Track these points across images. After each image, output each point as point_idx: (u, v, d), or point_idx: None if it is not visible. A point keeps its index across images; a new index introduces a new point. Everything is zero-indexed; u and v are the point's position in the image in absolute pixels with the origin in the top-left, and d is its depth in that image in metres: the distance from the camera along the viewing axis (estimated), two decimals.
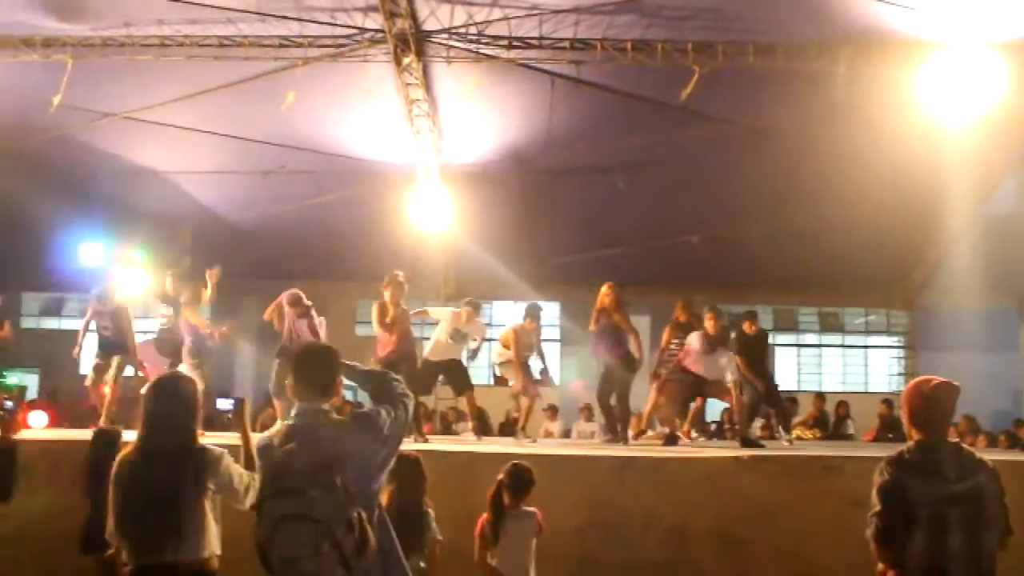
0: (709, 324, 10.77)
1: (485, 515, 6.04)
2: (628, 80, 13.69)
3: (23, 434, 9.61)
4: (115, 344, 10.79)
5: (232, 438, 5.62)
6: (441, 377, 11.09)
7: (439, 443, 9.96)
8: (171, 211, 16.26)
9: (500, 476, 6.10)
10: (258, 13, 12.56)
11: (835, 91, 12.57)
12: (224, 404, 11.10)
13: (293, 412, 4.10)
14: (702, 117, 13.90)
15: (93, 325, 11.01)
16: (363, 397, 4.53)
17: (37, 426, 13.65)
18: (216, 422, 12.92)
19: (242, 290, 13.86)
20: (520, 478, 6.09)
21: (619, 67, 13.29)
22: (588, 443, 11.13)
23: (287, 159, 15.49)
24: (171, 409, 4.56)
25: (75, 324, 20.30)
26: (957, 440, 4.68)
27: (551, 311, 21.17)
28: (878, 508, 4.38)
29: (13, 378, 15.08)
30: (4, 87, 13.89)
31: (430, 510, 5.86)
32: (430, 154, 15.51)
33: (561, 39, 12.93)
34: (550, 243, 16.70)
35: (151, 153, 15.77)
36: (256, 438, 4.36)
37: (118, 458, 4.55)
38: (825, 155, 14.09)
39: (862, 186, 14.56)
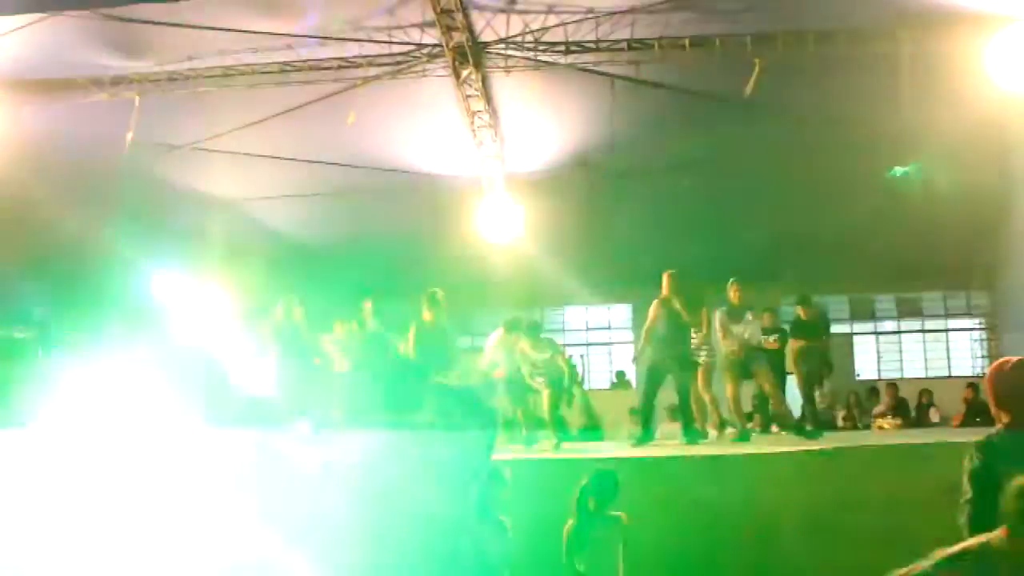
0: (732, 294, 11.19)
1: (571, 521, 6.04)
2: (689, 77, 13.61)
3: None
4: None
5: None
6: None
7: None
8: (244, 238, 16.52)
9: (584, 482, 6.10)
10: (317, 37, 12.70)
11: (900, 73, 12.37)
12: None
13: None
14: (766, 109, 13.73)
15: None
16: None
17: None
18: None
19: (319, 312, 13.93)
20: (604, 483, 6.10)
21: (679, 65, 13.24)
22: (671, 443, 11.10)
23: (352, 178, 15.62)
24: None
25: None
26: None
27: (622, 314, 21.15)
28: (969, 495, 4.30)
29: None
30: (77, 127, 14.20)
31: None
32: (494, 164, 15.54)
33: (618, 40, 12.89)
34: (619, 246, 16.63)
35: (219, 182, 15.99)
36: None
37: None
38: (895, 138, 13.84)
39: (934, 166, 14.30)
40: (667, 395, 14.22)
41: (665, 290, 11.57)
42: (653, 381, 11.38)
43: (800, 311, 13.02)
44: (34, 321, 16.82)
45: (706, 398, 11.92)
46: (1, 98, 13.36)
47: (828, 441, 9.15)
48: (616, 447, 10.78)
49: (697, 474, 7.91)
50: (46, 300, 17.48)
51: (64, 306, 17.61)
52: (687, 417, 11.17)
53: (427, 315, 11.29)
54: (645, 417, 11.28)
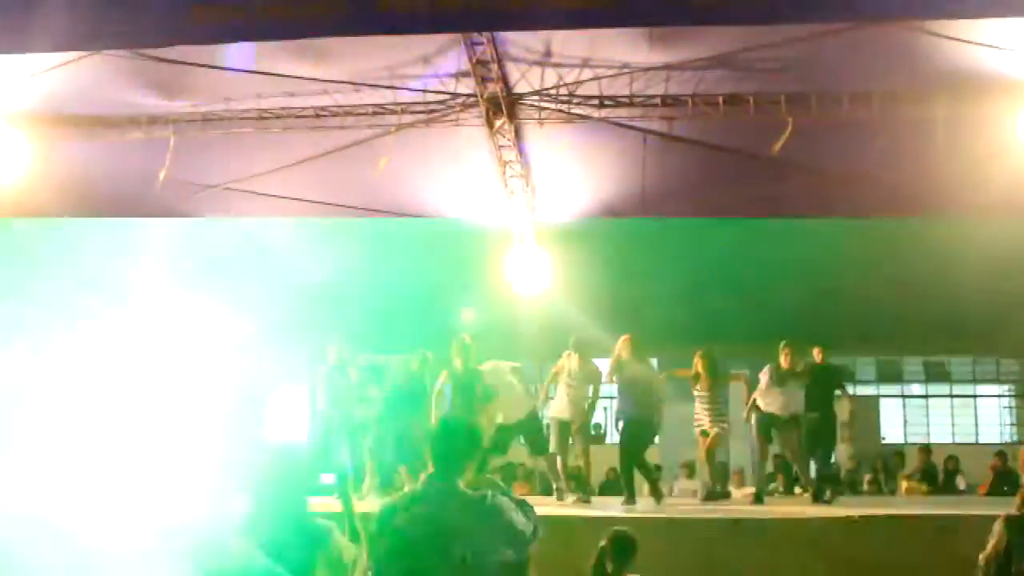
0: (783, 358, 11.15)
1: None
2: (721, 134, 13.61)
3: None
4: None
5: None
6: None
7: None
8: (273, 279, 16.60)
9: (602, 543, 6.03)
10: (353, 83, 12.80)
11: (934, 137, 12.33)
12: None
13: (421, 480, 4.13)
14: (798, 169, 13.72)
15: None
16: None
17: None
18: None
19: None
20: (623, 545, 6.01)
21: (712, 122, 13.25)
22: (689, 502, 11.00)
23: (383, 225, 15.68)
24: (283, 482, 4.60)
25: None
26: None
27: None
28: (993, 571, 4.21)
29: None
30: (112, 165, 14.35)
31: None
32: (525, 214, 15.56)
33: (652, 96, 12.91)
34: (647, 300, 16.60)
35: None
36: (378, 501, 4.39)
37: None
38: (925, 201, 13.79)
39: (964, 231, 14.21)
40: (684, 452, 14.20)
41: (625, 353, 11.55)
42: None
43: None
44: None
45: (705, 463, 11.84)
46: (41, 133, 13.56)
47: (853, 507, 9.01)
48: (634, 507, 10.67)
49: (718, 536, 7.80)
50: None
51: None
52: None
53: (457, 363, 11.27)
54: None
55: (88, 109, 13.46)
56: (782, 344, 12.05)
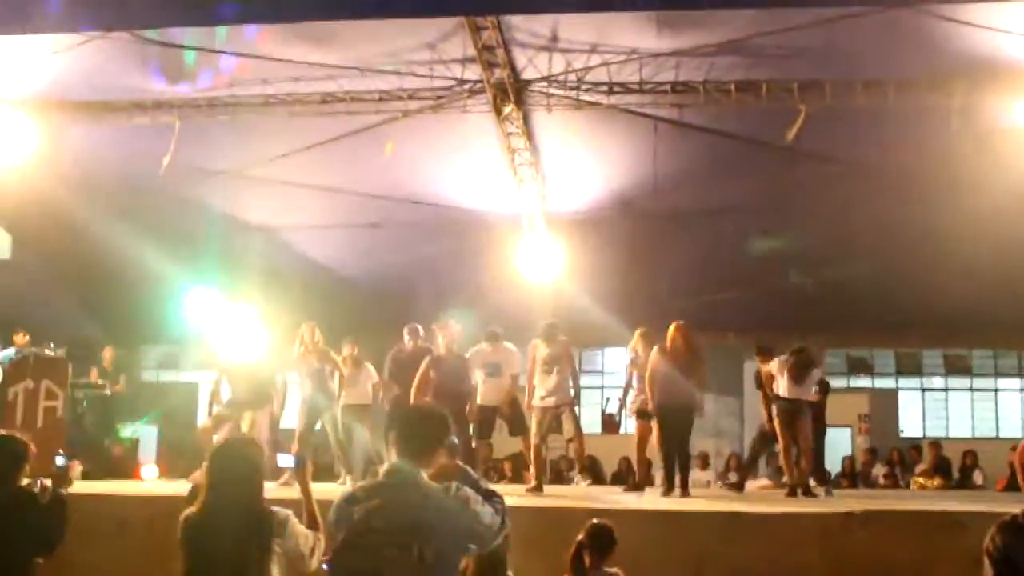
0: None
1: None
2: (733, 122, 13.40)
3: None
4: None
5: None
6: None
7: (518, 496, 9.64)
8: (281, 265, 16.52)
9: (580, 536, 5.87)
10: (358, 68, 12.66)
11: (949, 125, 12.08)
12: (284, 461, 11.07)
13: (384, 469, 4.00)
14: (811, 157, 13.50)
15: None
16: None
17: (149, 479, 13.93)
18: None
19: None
20: (601, 538, 5.84)
21: (724, 109, 13.04)
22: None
23: (391, 211, 15.55)
24: (237, 470, 4.49)
25: (193, 377, 21.01)
26: None
27: None
28: None
29: (128, 431, 15.34)
30: (119, 150, 14.30)
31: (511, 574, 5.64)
32: (535, 202, 15.39)
33: (662, 83, 12.73)
34: (659, 288, 16.37)
35: (258, 209, 16.02)
36: (343, 490, 4.26)
37: (182, 518, 4.51)
38: (943, 191, 13.53)
39: (983, 221, 13.92)
40: (699, 442, 13.95)
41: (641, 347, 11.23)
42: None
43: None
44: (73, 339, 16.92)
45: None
46: (47, 118, 13.52)
47: (858, 502, 8.80)
48: (620, 496, 10.48)
49: (712, 530, 7.61)
50: (83, 317, 17.63)
51: (100, 323, 17.75)
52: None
53: (442, 346, 11.04)
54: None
55: (94, 94, 13.41)
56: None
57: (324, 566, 4.18)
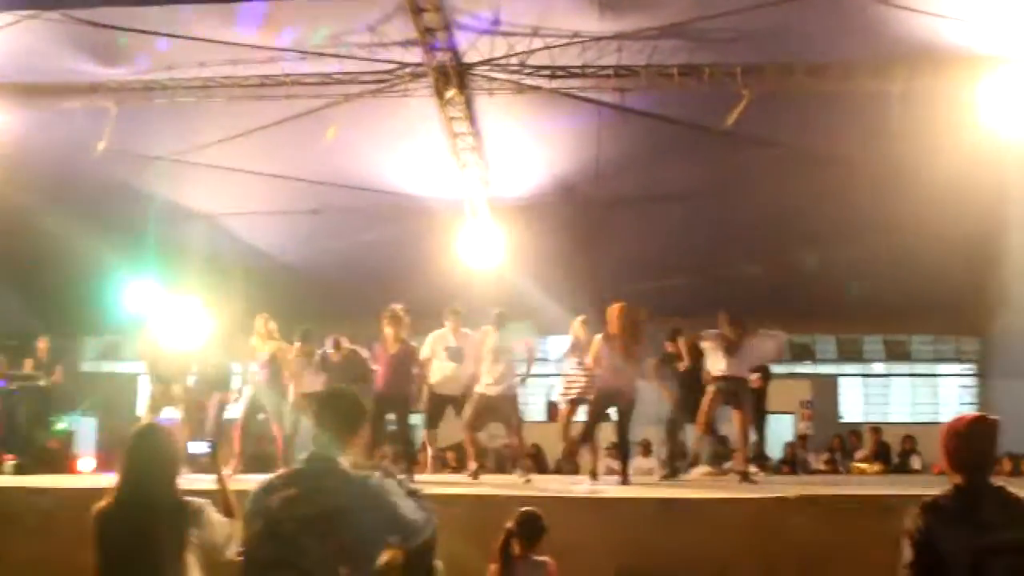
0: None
1: (493, 566, 5.74)
2: (676, 106, 13.36)
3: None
4: None
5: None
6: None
7: (455, 486, 9.57)
8: (221, 252, 16.27)
9: (508, 524, 5.80)
10: (298, 51, 12.47)
11: (890, 111, 12.13)
12: (197, 448, 10.87)
13: (303, 456, 3.90)
14: (754, 142, 13.50)
15: None
16: None
17: (85, 471, 13.67)
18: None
19: (295, 330, 13.69)
20: (530, 525, 5.78)
21: (666, 93, 13.00)
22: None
23: (334, 197, 15.35)
24: (151, 460, 4.36)
25: (133, 367, 20.64)
26: (1001, 484, 4.21)
27: None
28: (909, 559, 4.00)
29: (63, 423, 15.02)
30: (53, 135, 13.98)
31: (438, 563, 5.54)
32: (478, 188, 15.26)
33: (605, 67, 12.65)
34: (603, 275, 16.32)
35: (198, 195, 15.76)
36: (257, 479, 4.15)
37: (94, 511, 4.36)
38: (882, 177, 13.61)
39: (923, 208, 14.01)
40: (642, 430, 13.90)
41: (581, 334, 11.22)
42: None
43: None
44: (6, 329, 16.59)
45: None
46: None
47: (794, 488, 8.80)
48: (556, 484, 10.43)
49: (645, 517, 7.56)
50: (18, 307, 17.30)
51: (37, 313, 17.41)
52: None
53: (389, 335, 10.95)
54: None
55: (25, 76, 13.09)
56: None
57: (240, 556, 4.06)
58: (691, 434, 11.88)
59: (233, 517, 4.41)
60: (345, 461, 3.80)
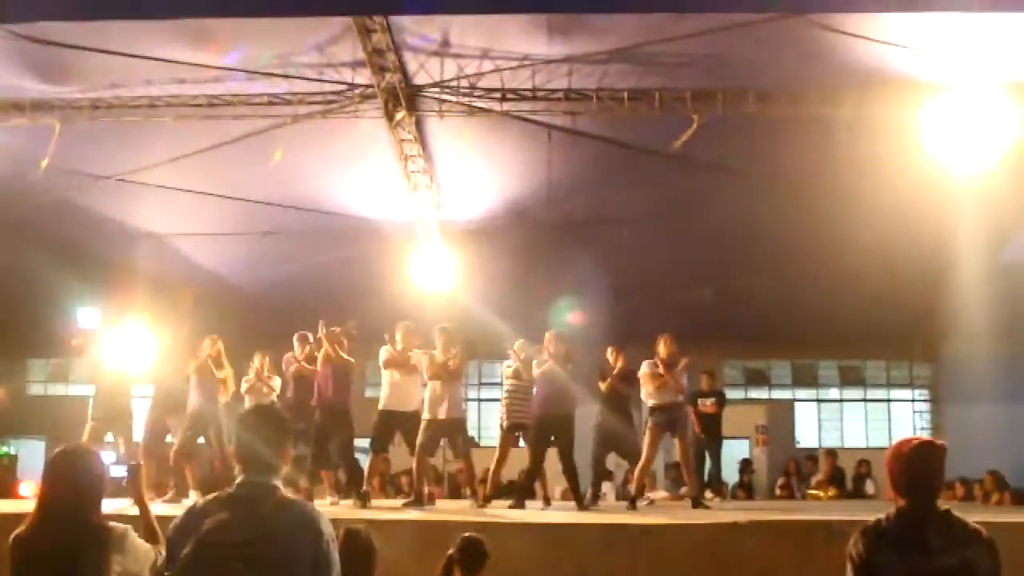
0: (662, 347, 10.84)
1: None
2: (627, 130, 13.35)
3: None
4: None
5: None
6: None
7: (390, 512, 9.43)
8: (169, 274, 16.08)
9: (450, 551, 5.69)
10: (245, 71, 12.33)
11: (839, 136, 12.16)
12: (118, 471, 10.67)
13: (236, 482, 3.78)
14: (705, 166, 13.53)
15: None
16: None
17: (26, 496, 13.40)
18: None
19: (245, 353, 13.52)
20: (471, 552, 5.67)
21: (617, 117, 12.98)
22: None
23: (284, 218, 15.21)
24: (72, 484, 4.23)
25: (82, 390, 20.33)
26: (947, 508, 4.16)
27: None
28: None
29: (5, 447, 14.77)
30: None
31: None
32: (429, 211, 15.17)
33: (555, 90, 12.61)
34: (554, 299, 16.27)
35: (146, 215, 15.57)
36: (186, 503, 4.04)
37: (12, 537, 4.22)
38: (832, 203, 13.64)
39: (873, 232, 14.09)
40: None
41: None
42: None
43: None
44: None
45: None
46: None
47: (746, 513, 8.77)
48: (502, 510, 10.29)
49: (594, 543, 7.48)
50: None
51: None
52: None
53: (335, 355, 10.88)
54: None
55: None
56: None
57: None
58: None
59: (156, 542, 4.30)
60: (277, 480, 3.71)
